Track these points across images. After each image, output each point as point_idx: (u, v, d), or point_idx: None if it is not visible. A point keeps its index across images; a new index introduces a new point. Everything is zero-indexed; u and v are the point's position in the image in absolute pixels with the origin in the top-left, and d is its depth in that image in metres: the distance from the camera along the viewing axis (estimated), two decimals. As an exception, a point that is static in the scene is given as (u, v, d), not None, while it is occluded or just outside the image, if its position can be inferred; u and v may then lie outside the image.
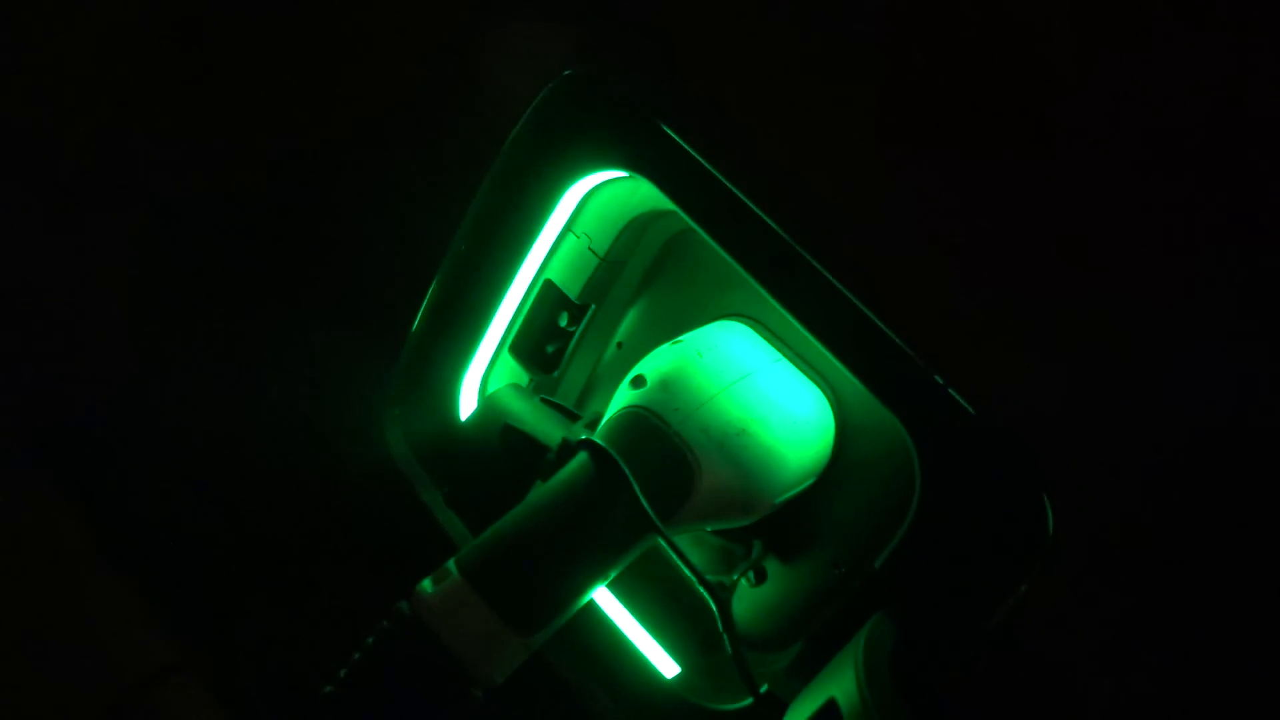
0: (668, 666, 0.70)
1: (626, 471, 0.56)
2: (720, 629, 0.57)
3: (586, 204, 0.70)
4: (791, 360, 0.66)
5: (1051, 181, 0.56)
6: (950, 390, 0.54)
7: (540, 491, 0.59)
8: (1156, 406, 0.54)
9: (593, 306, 0.74)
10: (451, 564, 0.55)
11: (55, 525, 0.92)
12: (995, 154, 0.57)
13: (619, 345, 0.75)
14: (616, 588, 0.73)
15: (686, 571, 0.57)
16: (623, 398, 0.62)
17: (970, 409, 0.54)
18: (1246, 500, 0.52)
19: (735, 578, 0.63)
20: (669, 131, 0.61)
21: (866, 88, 0.61)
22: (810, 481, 0.64)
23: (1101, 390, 0.54)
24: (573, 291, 0.72)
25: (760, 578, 0.68)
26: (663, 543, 0.56)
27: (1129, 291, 0.55)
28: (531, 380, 0.77)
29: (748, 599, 0.69)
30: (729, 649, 0.57)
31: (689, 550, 0.70)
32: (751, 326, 0.67)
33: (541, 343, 0.75)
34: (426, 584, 0.55)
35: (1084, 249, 0.56)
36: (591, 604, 0.72)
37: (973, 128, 0.58)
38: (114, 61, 0.93)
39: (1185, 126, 0.54)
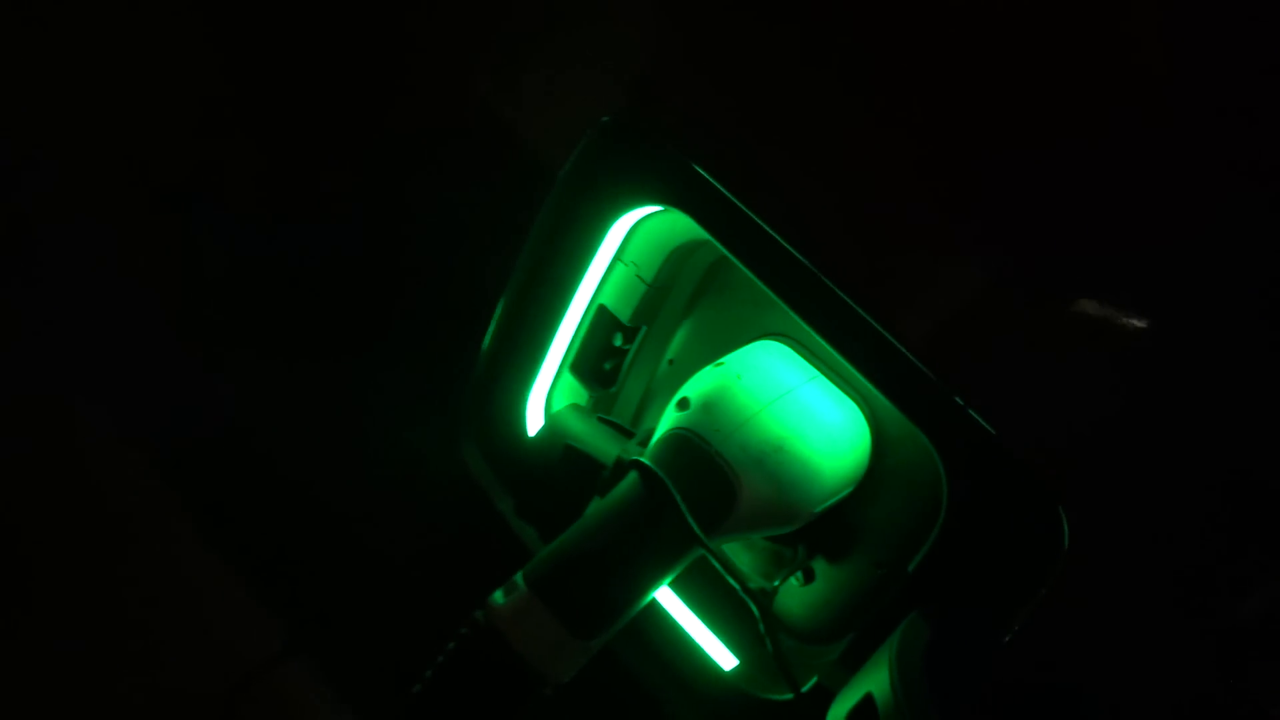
0: (726, 660, 0.76)
1: (673, 490, 0.62)
2: (762, 631, 0.63)
3: (633, 235, 0.75)
4: (828, 376, 0.70)
5: (1071, 209, 0.59)
6: (970, 411, 0.57)
7: (596, 508, 0.65)
8: (1178, 423, 0.56)
9: (644, 328, 0.79)
10: (519, 577, 0.62)
11: (172, 527, 1.02)
12: (1014, 189, 0.59)
13: (670, 362, 0.80)
14: (678, 588, 0.78)
15: (731, 580, 0.62)
16: (669, 419, 0.67)
17: (990, 429, 0.57)
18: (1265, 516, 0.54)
19: (777, 584, 0.68)
20: (700, 170, 0.66)
21: (891, 125, 0.64)
22: (849, 490, 0.69)
23: (1121, 406, 0.57)
24: (624, 315, 0.78)
25: (809, 577, 0.73)
26: (707, 554, 0.62)
27: (1160, 314, 0.57)
28: (591, 396, 0.83)
29: (799, 596, 0.74)
30: (769, 648, 0.63)
31: (739, 553, 0.75)
32: (789, 345, 0.72)
33: (599, 362, 0.80)
34: (498, 595, 0.62)
35: (1104, 272, 0.58)
36: (656, 603, 0.78)
37: (993, 161, 0.60)
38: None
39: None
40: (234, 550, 1.00)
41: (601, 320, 0.79)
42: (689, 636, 0.77)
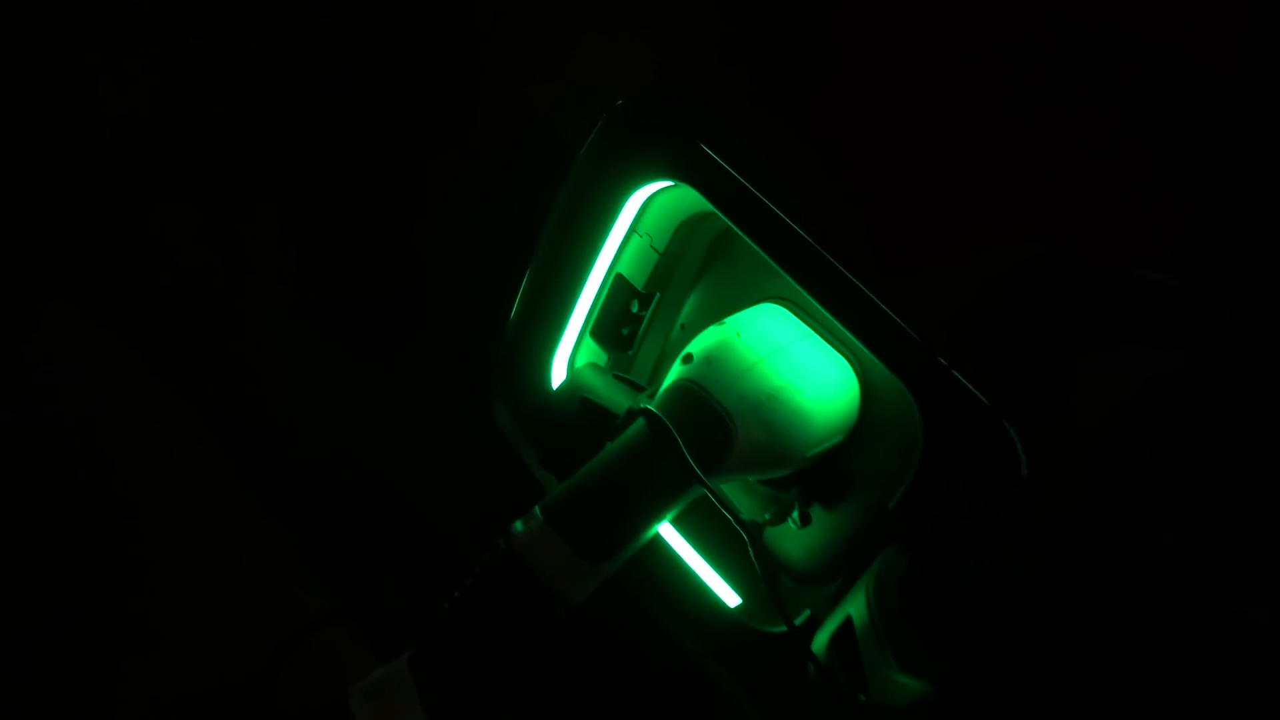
0: (730, 598, 0.83)
1: (674, 433, 0.69)
2: (752, 557, 0.69)
3: (647, 208, 0.82)
4: (821, 335, 0.76)
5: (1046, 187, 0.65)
6: (954, 372, 0.63)
7: (607, 450, 0.72)
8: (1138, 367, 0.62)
9: (658, 294, 0.86)
10: (537, 509, 0.69)
11: (222, 495, 1.09)
12: (996, 163, 0.65)
13: (682, 326, 0.87)
14: (687, 533, 0.85)
15: (725, 511, 0.69)
16: (675, 372, 0.74)
17: (964, 380, 0.63)
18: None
19: (768, 517, 0.74)
20: (705, 148, 0.73)
21: (882, 104, 0.70)
22: (839, 439, 0.75)
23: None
24: (639, 282, 0.85)
25: (805, 521, 0.79)
26: (704, 488, 0.68)
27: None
28: (610, 358, 0.90)
29: (797, 540, 0.81)
30: (759, 571, 0.69)
31: (740, 497, 0.82)
32: (787, 308, 0.78)
33: (617, 327, 0.87)
34: (518, 524, 0.69)
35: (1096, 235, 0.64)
36: (667, 546, 0.85)
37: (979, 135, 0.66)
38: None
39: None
40: (280, 517, 1.07)
41: (619, 288, 0.86)
42: (697, 576, 0.84)
